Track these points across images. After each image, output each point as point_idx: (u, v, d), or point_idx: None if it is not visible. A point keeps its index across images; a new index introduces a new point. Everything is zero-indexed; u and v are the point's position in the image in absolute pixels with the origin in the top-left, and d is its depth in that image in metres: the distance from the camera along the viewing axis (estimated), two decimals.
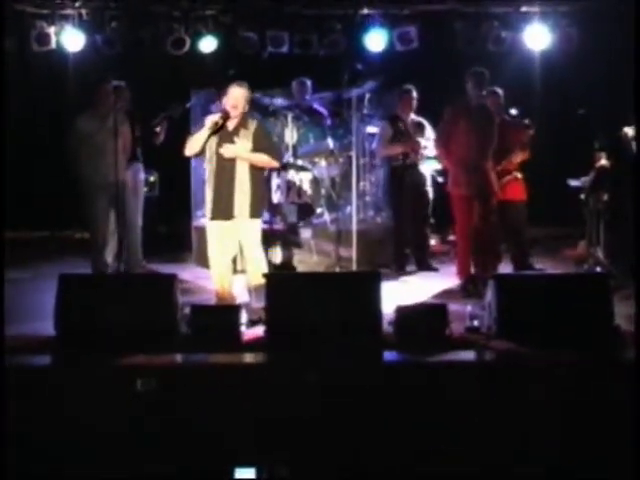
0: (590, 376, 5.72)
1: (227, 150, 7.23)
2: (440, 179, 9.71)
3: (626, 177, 9.19)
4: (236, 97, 7.31)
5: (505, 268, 8.94)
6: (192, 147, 7.36)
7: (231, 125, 7.35)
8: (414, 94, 9.66)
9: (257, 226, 7.52)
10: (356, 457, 5.36)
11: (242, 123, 7.37)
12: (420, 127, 9.64)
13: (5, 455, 5.03)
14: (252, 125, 7.46)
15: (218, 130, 7.25)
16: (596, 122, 8.85)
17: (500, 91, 8.97)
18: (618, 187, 8.97)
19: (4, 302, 6.08)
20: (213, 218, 7.37)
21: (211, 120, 7.27)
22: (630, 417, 5.36)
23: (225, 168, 7.29)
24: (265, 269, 7.50)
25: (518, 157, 8.84)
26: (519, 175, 8.94)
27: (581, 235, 9.17)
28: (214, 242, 7.46)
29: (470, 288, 8.27)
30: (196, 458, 5.31)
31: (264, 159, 7.41)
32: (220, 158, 7.28)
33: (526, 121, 9.00)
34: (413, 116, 9.71)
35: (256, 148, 7.34)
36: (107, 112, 8.62)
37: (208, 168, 7.39)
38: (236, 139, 7.28)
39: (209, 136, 7.25)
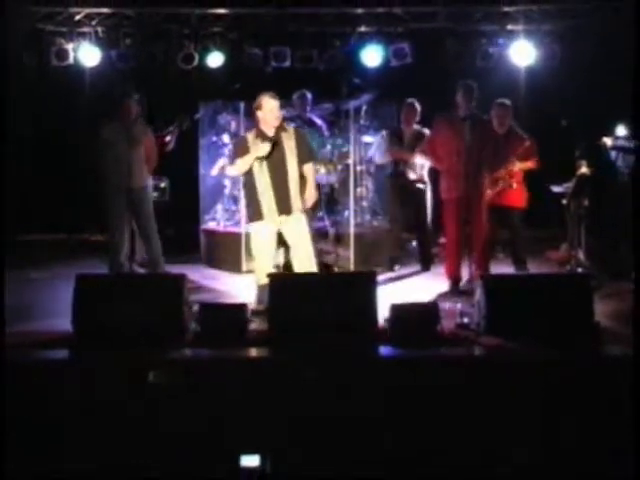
0: (572, 369, 5.71)
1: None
2: (421, 186, 9.66)
3: (605, 184, 9.19)
4: (276, 109, 7.34)
5: (500, 269, 8.92)
6: (240, 169, 7.37)
7: (270, 132, 7.35)
8: (416, 106, 9.62)
9: (306, 220, 7.56)
10: (353, 447, 5.34)
11: (281, 127, 7.39)
12: (420, 138, 9.56)
13: (5, 451, 5.00)
14: (290, 127, 7.63)
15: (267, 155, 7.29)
16: (577, 132, 8.84)
17: (508, 102, 8.92)
18: (598, 193, 8.97)
19: (4, 303, 6.05)
20: (281, 213, 7.34)
21: (263, 150, 7.23)
22: (610, 409, 5.37)
23: (278, 168, 7.31)
24: (314, 264, 7.51)
25: (515, 166, 8.71)
26: (514, 184, 8.81)
27: (564, 238, 9.15)
28: (265, 240, 7.44)
29: (459, 288, 8.27)
30: (204, 446, 5.29)
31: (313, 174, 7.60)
32: (273, 161, 7.28)
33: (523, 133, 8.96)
34: (416, 127, 9.66)
35: (299, 146, 7.40)
36: (130, 124, 8.62)
37: (257, 172, 7.32)
38: (280, 142, 7.34)
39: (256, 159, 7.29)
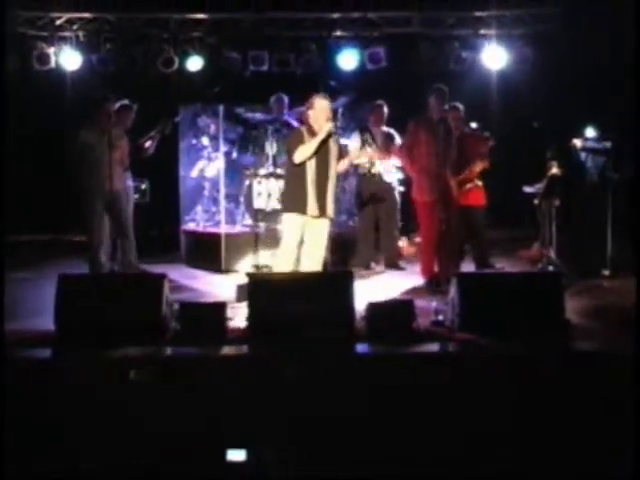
0: (543, 364, 5.75)
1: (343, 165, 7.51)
2: (401, 188, 9.70)
3: (575, 184, 9.25)
4: (328, 109, 7.31)
5: (468, 267, 8.95)
6: (305, 154, 7.17)
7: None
8: (385, 108, 9.65)
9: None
10: (332, 445, 5.34)
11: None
12: (390, 138, 9.63)
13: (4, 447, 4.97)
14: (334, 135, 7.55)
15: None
16: (548, 134, 8.89)
17: (461, 106, 8.95)
18: (568, 193, 9.02)
19: (4, 302, 6.03)
20: (321, 215, 7.26)
21: (327, 130, 7.17)
22: (582, 404, 5.41)
23: (323, 169, 7.24)
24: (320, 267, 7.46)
25: (478, 166, 8.83)
26: (479, 183, 8.95)
27: (535, 237, 9.20)
28: (296, 235, 7.30)
29: (434, 286, 8.29)
30: (186, 444, 5.28)
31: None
32: (320, 161, 7.23)
33: (486, 134, 9.02)
34: (384, 128, 9.70)
35: (339, 153, 7.42)
36: (107, 128, 8.59)
37: (308, 167, 7.21)
38: (329, 144, 7.30)
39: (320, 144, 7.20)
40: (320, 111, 7.28)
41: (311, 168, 7.23)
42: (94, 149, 8.52)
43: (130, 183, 9.12)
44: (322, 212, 7.28)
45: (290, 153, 7.28)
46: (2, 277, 6.15)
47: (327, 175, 7.30)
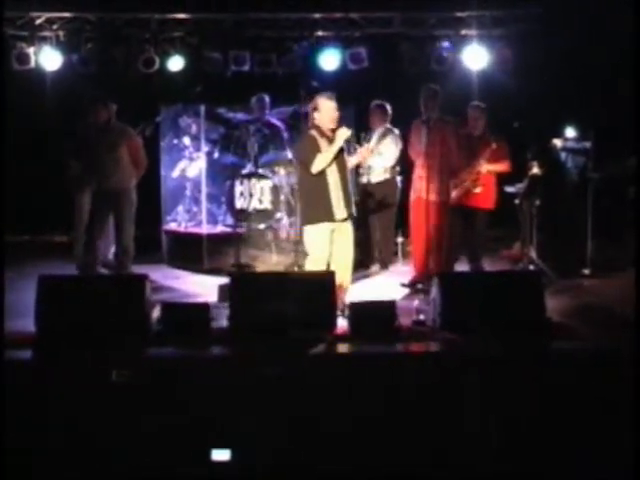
0: (524, 363, 5.77)
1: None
2: (382, 186, 9.63)
3: (556, 183, 9.30)
4: (333, 109, 7.13)
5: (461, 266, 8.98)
6: (324, 164, 6.96)
7: (331, 134, 7.12)
8: (385, 108, 9.63)
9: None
10: (315, 443, 5.36)
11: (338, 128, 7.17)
12: (382, 136, 9.57)
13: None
14: None
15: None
16: (529, 134, 8.93)
17: (482, 105, 8.94)
18: (549, 193, 9.06)
19: (4, 302, 6.01)
20: (348, 216, 7.13)
21: (345, 137, 7.03)
22: (563, 402, 5.44)
23: (342, 173, 7.09)
24: (350, 273, 7.31)
25: (482, 167, 8.69)
26: (479, 187, 8.75)
27: (516, 237, 9.23)
28: (327, 245, 7.09)
29: (420, 285, 8.29)
30: (171, 443, 5.28)
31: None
32: (339, 163, 7.08)
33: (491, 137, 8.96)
34: (388, 125, 9.63)
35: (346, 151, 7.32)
36: (102, 127, 8.57)
37: (329, 171, 7.02)
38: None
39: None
40: (326, 112, 7.10)
41: (333, 172, 7.05)
42: (89, 149, 8.50)
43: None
44: (349, 213, 7.15)
45: (307, 163, 7.02)
46: (2, 278, 6.13)
47: (346, 175, 7.18)
